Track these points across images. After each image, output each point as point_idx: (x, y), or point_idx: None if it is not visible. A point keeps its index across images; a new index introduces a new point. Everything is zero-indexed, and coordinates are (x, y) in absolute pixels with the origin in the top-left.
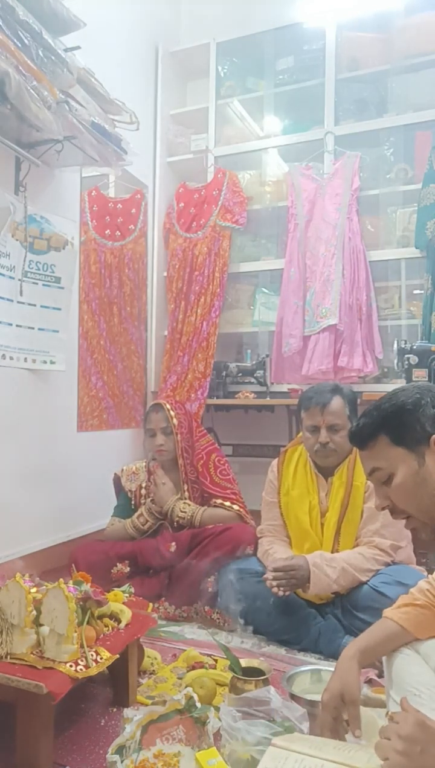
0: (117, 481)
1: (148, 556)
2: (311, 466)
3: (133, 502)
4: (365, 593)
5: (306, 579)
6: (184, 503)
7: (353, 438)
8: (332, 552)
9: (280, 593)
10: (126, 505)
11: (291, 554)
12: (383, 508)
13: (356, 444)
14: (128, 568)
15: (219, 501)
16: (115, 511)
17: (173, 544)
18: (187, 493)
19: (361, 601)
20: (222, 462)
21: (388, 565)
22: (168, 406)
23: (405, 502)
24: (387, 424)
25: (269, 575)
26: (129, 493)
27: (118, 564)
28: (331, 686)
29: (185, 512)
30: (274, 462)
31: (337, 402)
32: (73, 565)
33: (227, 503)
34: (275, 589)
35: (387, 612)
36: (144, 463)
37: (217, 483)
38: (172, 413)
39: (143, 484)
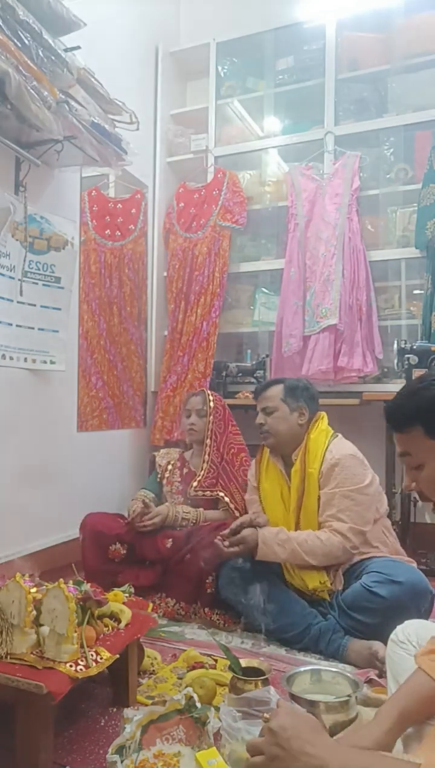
0: (152, 459)
1: (145, 549)
2: (276, 461)
3: (159, 476)
4: (359, 594)
5: (252, 549)
6: (183, 507)
7: (388, 418)
8: None
9: (226, 552)
10: (154, 480)
11: (249, 516)
12: (410, 491)
13: (390, 425)
14: (125, 551)
15: (222, 494)
16: (146, 484)
17: (170, 540)
18: (202, 473)
19: (354, 600)
20: (248, 464)
21: (351, 551)
22: (208, 392)
23: (432, 494)
24: (422, 416)
25: (220, 537)
26: (158, 468)
27: (117, 543)
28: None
29: (189, 513)
30: (254, 460)
31: (273, 389)
32: (81, 531)
33: (230, 502)
34: (222, 549)
35: (421, 661)
36: (178, 450)
37: (238, 479)
38: (211, 398)
39: (172, 461)
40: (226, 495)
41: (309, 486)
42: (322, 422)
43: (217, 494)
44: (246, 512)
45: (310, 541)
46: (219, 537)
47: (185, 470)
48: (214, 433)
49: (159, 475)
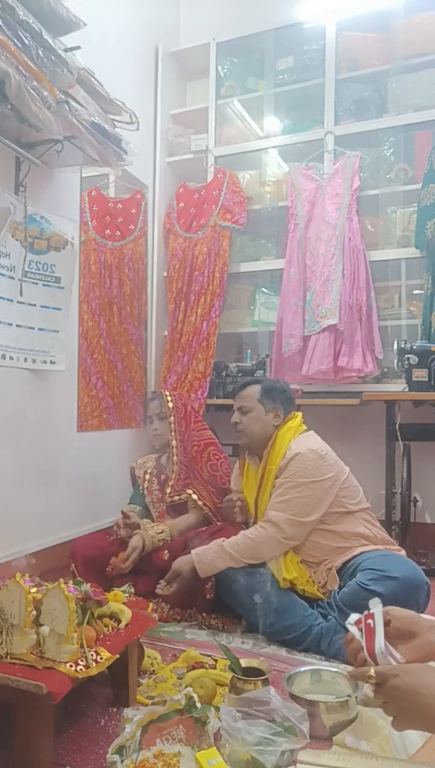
0: (132, 471)
1: (141, 562)
2: (251, 462)
3: (140, 487)
4: (356, 592)
5: (190, 572)
6: (154, 527)
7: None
8: None
9: (169, 594)
10: (138, 492)
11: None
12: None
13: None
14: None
15: (190, 491)
16: (131, 499)
17: (166, 552)
18: (174, 476)
19: (352, 600)
20: (217, 457)
21: (286, 542)
22: (166, 393)
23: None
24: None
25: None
26: (138, 479)
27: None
28: None
29: (162, 531)
30: (235, 465)
31: (250, 389)
32: (71, 560)
33: (198, 499)
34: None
35: None
36: (154, 456)
37: (203, 473)
38: (168, 398)
39: (149, 470)
40: (194, 492)
41: (267, 481)
42: (294, 421)
43: (188, 493)
44: (214, 508)
45: (241, 542)
46: (158, 586)
47: (163, 476)
48: (178, 432)
49: (140, 486)
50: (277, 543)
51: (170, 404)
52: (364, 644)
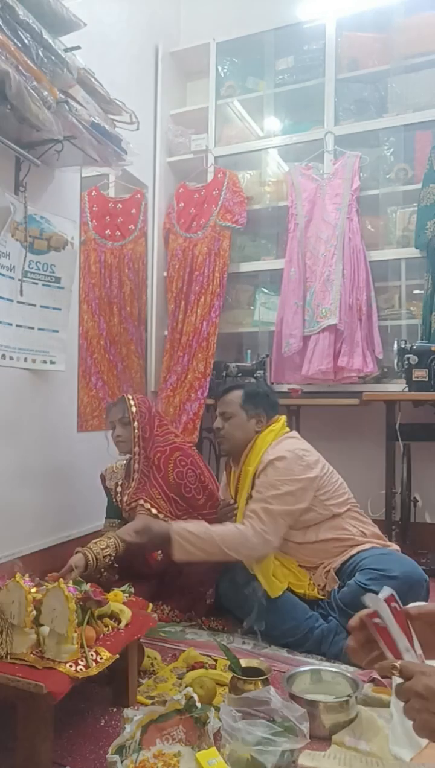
0: (102, 480)
1: (135, 566)
2: (234, 467)
3: (114, 500)
4: (356, 592)
5: (161, 542)
6: (98, 543)
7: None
8: None
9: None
10: (112, 505)
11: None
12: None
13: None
14: (116, 576)
15: (141, 502)
16: (107, 512)
17: (160, 552)
18: (133, 484)
19: (353, 600)
20: (184, 463)
21: (267, 539)
22: (129, 397)
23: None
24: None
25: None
26: (111, 492)
27: (103, 571)
28: None
29: (106, 547)
30: (223, 473)
31: (232, 394)
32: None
33: (151, 508)
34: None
35: None
36: (124, 462)
37: (168, 482)
38: (131, 402)
39: (119, 482)
40: (147, 501)
41: (244, 483)
42: (277, 423)
43: (139, 503)
44: (174, 517)
45: (229, 533)
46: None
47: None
48: (141, 439)
49: (113, 499)
50: (261, 539)
51: (133, 409)
52: (383, 646)
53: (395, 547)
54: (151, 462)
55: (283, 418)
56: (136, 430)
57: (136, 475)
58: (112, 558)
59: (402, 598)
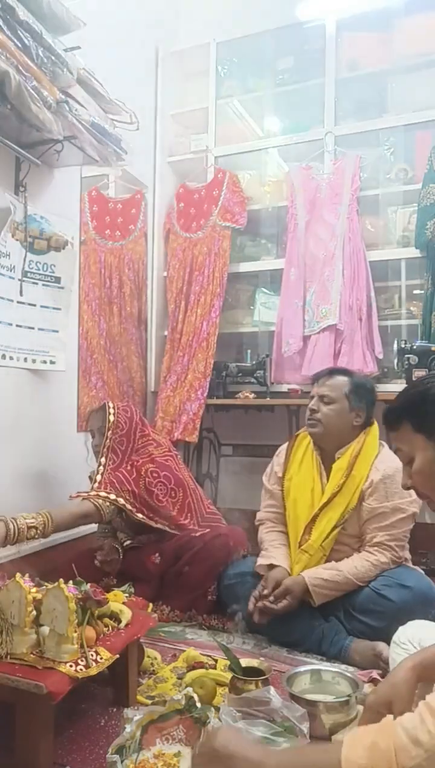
0: (91, 481)
1: (133, 569)
2: (316, 452)
3: None
4: (366, 596)
5: (300, 596)
6: (25, 516)
7: (384, 418)
8: (304, 538)
9: (278, 609)
10: None
11: (281, 570)
12: (408, 488)
13: (385, 424)
14: (115, 580)
15: (104, 493)
16: None
17: (157, 555)
18: (94, 485)
19: (362, 603)
20: (156, 475)
21: (396, 562)
22: (110, 405)
23: (422, 486)
24: (409, 411)
25: (260, 597)
26: None
27: (103, 578)
28: (380, 691)
29: (33, 519)
30: (283, 447)
31: (338, 378)
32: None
33: (118, 498)
34: (274, 608)
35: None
36: None
37: (139, 492)
38: (111, 411)
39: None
40: (113, 492)
41: (348, 487)
42: (374, 427)
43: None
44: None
45: (361, 567)
46: (261, 601)
47: None
48: (110, 450)
49: None
50: (389, 564)
51: (111, 418)
52: None
53: (419, 570)
54: (121, 475)
55: (376, 425)
56: (108, 440)
57: (96, 485)
58: (39, 533)
59: (412, 609)
